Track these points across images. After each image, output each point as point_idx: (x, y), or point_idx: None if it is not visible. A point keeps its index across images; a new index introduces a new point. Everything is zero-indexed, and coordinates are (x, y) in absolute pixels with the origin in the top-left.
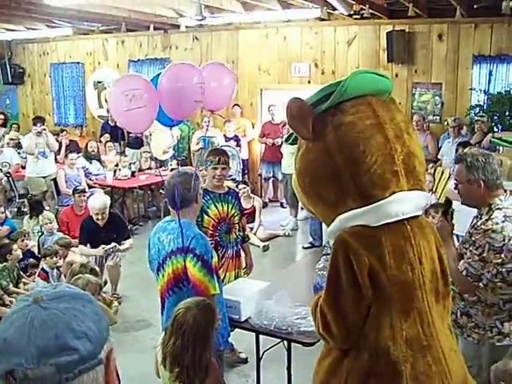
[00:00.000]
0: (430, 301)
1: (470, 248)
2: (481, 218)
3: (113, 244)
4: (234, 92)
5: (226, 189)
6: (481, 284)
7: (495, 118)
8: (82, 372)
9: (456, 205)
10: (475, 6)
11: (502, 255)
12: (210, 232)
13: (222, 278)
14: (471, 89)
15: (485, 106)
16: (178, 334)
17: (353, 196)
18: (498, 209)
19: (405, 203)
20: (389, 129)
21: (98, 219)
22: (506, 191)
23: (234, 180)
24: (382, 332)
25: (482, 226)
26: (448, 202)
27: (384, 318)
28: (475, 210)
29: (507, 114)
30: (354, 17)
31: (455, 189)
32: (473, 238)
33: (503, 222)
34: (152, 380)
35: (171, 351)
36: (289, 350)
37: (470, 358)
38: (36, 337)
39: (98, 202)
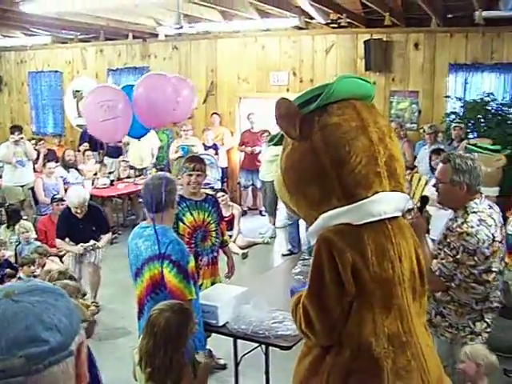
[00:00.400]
0: (408, 298)
1: (445, 249)
2: (456, 221)
3: (92, 242)
4: (194, 103)
5: (204, 196)
6: (453, 284)
7: (470, 124)
8: (52, 363)
9: (433, 211)
10: (449, 16)
11: (475, 258)
12: (186, 239)
13: (198, 284)
14: (446, 96)
15: (460, 113)
16: (150, 335)
17: (337, 195)
18: (474, 212)
19: (386, 203)
20: (372, 131)
21: (76, 213)
22: (481, 195)
23: (212, 188)
24: (364, 328)
25: (458, 229)
26: (424, 199)
27: (366, 314)
28: (450, 215)
29: (482, 120)
30: (332, 26)
31: (434, 186)
32: (448, 240)
33: (478, 225)
34: None
35: (144, 351)
36: (266, 354)
37: (445, 357)
38: (6, 328)
39: (76, 197)
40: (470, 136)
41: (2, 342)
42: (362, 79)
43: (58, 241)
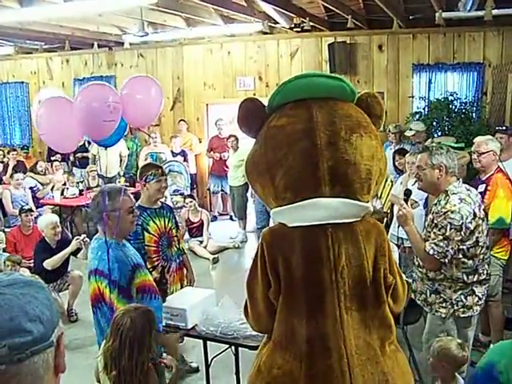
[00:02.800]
0: (345, 307)
1: (434, 230)
2: (440, 204)
3: (83, 236)
4: (161, 106)
5: (160, 204)
6: (446, 260)
7: (434, 123)
8: (34, 353)
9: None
10: (411, 17)
11: (462, 232)
12: (153, 248)
13: (169, 291)
14: (410, 96)
15: (425, 112)
16: (115, 335)
17: (272, 196)
18: (454, 193)
19: (319, 209)
20: (321, 135)
21: (55, 234)
22: (458, 179)
23: (182, 195)
24: (284, 326)
25: (442, 209)
26: (407, 191)
27: (288, 314)
28: (417, 213)
29: (445, 119)
30: (296, 30)
31: (415, 176)
32: (435, 222)
33: (459, 203)
34: None
35: (110, 354)
36: (236, 355)
37: (438, 332)
38: None
39: (49, 217)
40: (435, 135)
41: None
42: (330, 77)
43: (46, 263)
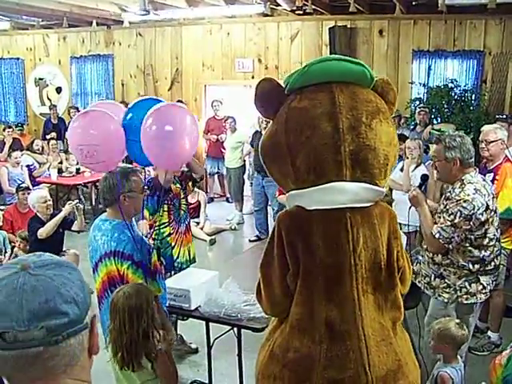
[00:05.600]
0: (362, 289)
1: (444, 215)
2: (454, 191)
3: (76, 201)
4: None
5: None
6: (450, 246)
7: (434, 110)
8: (70, 335)
9: (396, 196)
10: (414, 3)
11: (471, 223)
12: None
13: (177, 254)
14: (411, 82)
15: (424, 99)
16: (115, 314)
17: (291, 178)
18: (470, 183)
19: (341, 193)
20: (343, 119)
21: (47, 208)
22: (475, 169)
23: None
24: (302, 309)
25: (456, 197)
26: (424, 176)
27: (308, 296)
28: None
29: (445, 106)
30: (297, 12)
31: (432, 166)
32: (447, 207)
33: (474, 194)
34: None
35: (113, 337)
36: (239, 336)
37: (440, 316)
38: (27, 302)
39: (39, 192)
40: (434, 122)
41: (23, 314)
42: (352, 62)
43: (40, 232)
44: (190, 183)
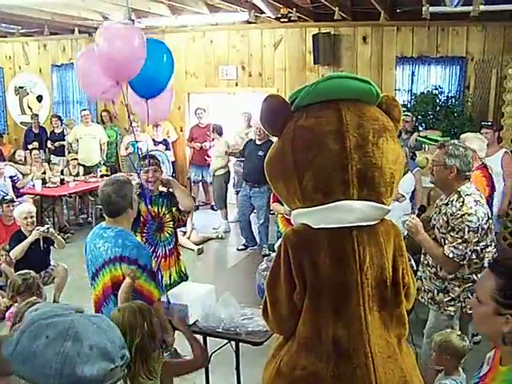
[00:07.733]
0: (368, 307)
1: (450, 233)
2: (453, 205)
3: (46, 226)
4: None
5: (158, 192)
6: (465, 262)
7: (419, 117)
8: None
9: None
10: (398, 10)
11: (478, 234)
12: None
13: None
14: (396, 89)
15: (409, 105)
16: None
17: (298, 197)
18: (468, 195)
19: (348, 212)
20: (350, 137)
21: (27, 224)
22: (469, 181)
23: None
24: (310, 327)
25: (458, 212)
26: (422, 208)
27: (315, 314)
28: (403, 207)
29: (430, 113)
30: (282, 20)
31: (430, 169)
32: (451, 224)
33: (475, 205)
34: None
35: None
36: (237, 350)
37: (443, 327)
38: (109, 332)
39: (22, 207)
40: (420, 128)
41: (115, 341)
42: (358, 79)
43: (10, 253)
44: (175, 210)
